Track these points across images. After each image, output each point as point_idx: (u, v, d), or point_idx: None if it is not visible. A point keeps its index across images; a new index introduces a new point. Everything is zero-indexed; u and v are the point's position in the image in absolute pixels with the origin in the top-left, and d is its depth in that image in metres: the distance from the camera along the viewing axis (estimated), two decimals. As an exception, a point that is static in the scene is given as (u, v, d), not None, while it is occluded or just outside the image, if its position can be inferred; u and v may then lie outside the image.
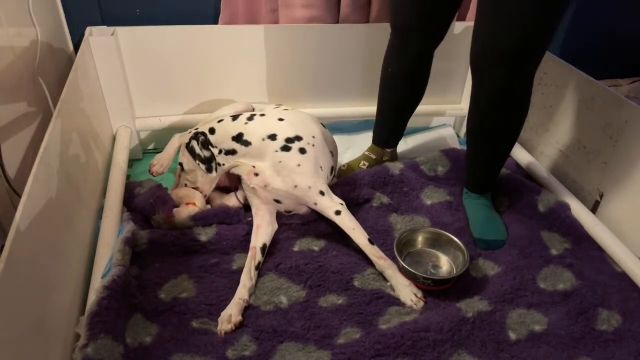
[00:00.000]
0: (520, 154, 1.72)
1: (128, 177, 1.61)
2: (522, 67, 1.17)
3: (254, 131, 1.34)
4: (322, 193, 1.31)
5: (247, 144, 1.33)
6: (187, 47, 1.66)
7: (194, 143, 1.36)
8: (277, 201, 1.35)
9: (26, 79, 1.35)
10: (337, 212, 1.29)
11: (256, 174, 1.33)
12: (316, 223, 1.41)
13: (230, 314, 1.12)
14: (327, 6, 1.72)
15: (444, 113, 1.95)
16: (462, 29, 1.79)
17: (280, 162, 1.30)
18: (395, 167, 1.58)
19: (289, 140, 1.32)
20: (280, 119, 1.37)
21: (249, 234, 1.34)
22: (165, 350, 1.06)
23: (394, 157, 1.71)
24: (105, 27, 1.59)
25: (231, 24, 1.73)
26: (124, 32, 1.59)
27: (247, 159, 1.35)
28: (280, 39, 1.70)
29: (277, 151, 1.31)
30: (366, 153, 1.67)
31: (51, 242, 1.00)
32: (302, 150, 1.32)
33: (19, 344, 0.80)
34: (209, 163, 1.36)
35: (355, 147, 1.80)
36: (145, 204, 1.37)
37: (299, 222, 1.40)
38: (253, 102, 1.70)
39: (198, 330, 1.11)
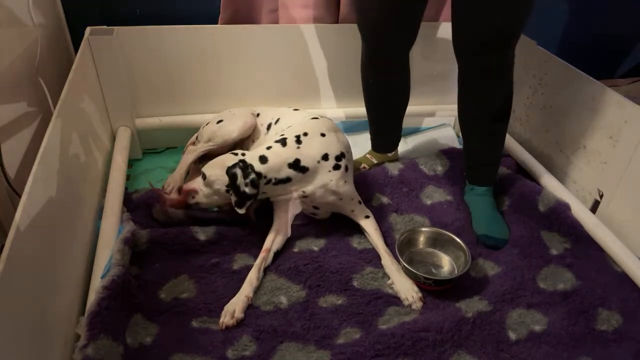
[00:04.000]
0: (520, 154, 1.72)
1: (128, 177, 1.61)
2: (503, 48, 1.25)
3: (308, 155, 1.28)
4: (360, 202, 1.39)
5: (304, 170, 1.27)
6: (187, 47, 1.66)
7: (239, 172, 1.22)
8: (316, 207, 1.37)
9: (26, 79, 1.35)
10: (367, 217, 1.38)
11: (305, 196, 1.31)
12: (316, 223, 1.41)
13: (235, 310, 1.13)
14: (327, 6, 1.72)
15: (443, 113, 1.94)
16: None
17: (331, 180, 1.30)
18: (395, 167, 1.58)
19: (338, 158, 1.32)
20: (323, 134, 1.33)
21: (250, 234, 1.34)
22: (165, 351, 1.06)
23: (396, 159, 1.71)
24: (105, 27, 1.59)
25: (231, 24, 1.73)
26: (124, 32, 1.59)
27: (299, 185, 1.29)
28: (280, 39, 1.70)
29: (330, 171, 1.30)
30: (368, 156, 1.67)
31: (51, 242, 1.00)
32: (347, 168, 1.34)
33: (19, 344, 0.80)
34: (243, 200, 1.23)
35: (355, 147, 1.79)
36: (152, 193, 1.40)
37: (298, 223, 1.40)
38: (252, 102, 1.71)
39: (198, 330, 1.11)
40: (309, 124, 1.36)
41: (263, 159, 1.25)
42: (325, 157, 1.30)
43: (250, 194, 1.21)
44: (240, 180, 1.21)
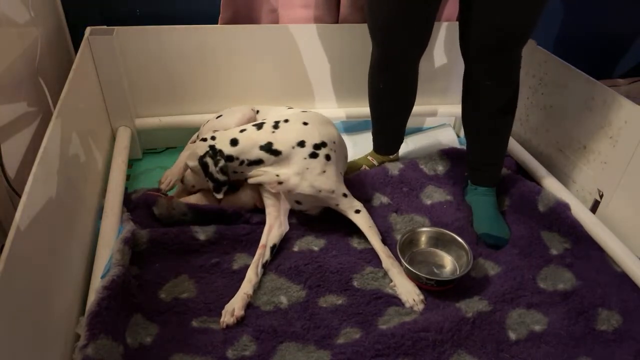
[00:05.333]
0: (520, 154, 1.72)
1: (128, 177, 1.61)
2: (512, 49, 1.27)
3: (283, 139, 1.31)
4: (344, 195, 1.35)
5: (276, 153, 1.30)
6: (187, 47, 1.66)
7: (209, 161, 1.30)
8: (298, 202, 1.36)
9: (26, 79, 1.35)
10: (357, 211, 1.34)
11: (280, 182, 1.31)
12: (316, 223, 1.41)
13: (234, 308, 1.13)
14: (327, 6, 1.72)
15: (444, 113, 1.95)
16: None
17: (307, 168, 1.29)
18: (395, 167, 1.58)
19: (317, 146, 1.31)
20: (305, 123, 1.35)
21: (249, 233, 1.35)
22: (165, 351, 1.06)
23: (396, 159, 1.71)
24: (105, 27, 1.59)
25: (231, 24, 1.73)
26: (124, 32, 1.59)
27: (273, 167, 1.32)
28: (280, 39, 1.70)
29: (305, 158, 1.30)
30: (369, 158, 1.66)
31: (51, 242, 1.00)
32: (328, 157, 1.32)
33: (19, 344, 0.80)
34: (219, 185, 1.32)
35: (355, 147, 1.80)
36: (149, 196, 1.40)
37: (294, 222, 1.40)
38: (252, 102, 1.71)
39: (198, 330, 1.11)
40: (295, 115, 1.39)
41: (234, 142, 1.31)
42: (301, 143, 1.30)
43: (222, 180, 1.30)
44: (211, 168, 1.30)
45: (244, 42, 1.68)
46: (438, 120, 2.01)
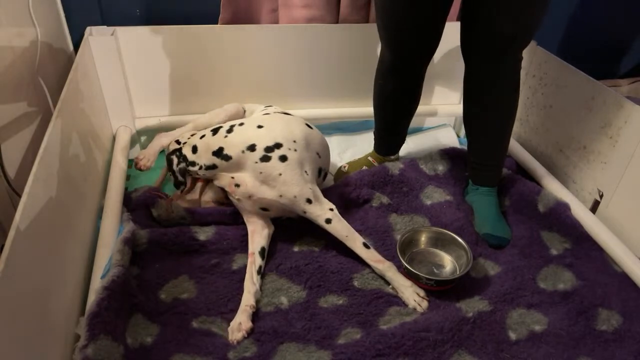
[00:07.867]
0: (520, 154, 1.72)
1: (128, 177, 1.61)
2: (519, 52, 1.29)
3: (233, 144, 1.29)
4: (309, 201, 1.27)
5: (227, 158, 1.29)
6: (187, 47, 1.66)
7: (174, 160, 1.36)
8: (265, 209, 1.33)
9: (26, 79, 1.35)
10: (328, 221, 1.27)
11: (237, 185, 1.30)
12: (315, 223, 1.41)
13: (240, 322, 1.11)
14: (327, 6, 1.72)
15: (444, 113, 1.95)
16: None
17: (261, 172, 1.26)
18: (395, 167, 1.58)
19: (269, 149, 1.27)
20: (260, 127, 1.32)
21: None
22: (166, 351, 1.06)
23: (396, 159, 1.71)
24: (105, 27, 1.59)
25: (231, 24, 1.73)
26: (124, 32, 1.59)
27: (228, 171, 1.31)
28: (280, 39, 1.70)
29: (257, 162, 1.26)
30: (369, 159, 1.66)
31: (51, 242, 0.99)
32: (283, 158, 1.26)
33: (19, 344, 0.80)
34: (177, 184, 1.38)
35: (355, 147, 1.80)
36: (148, 194, 1.41)
37: (294, 222, 1.39)
38: (252, 102, 1.71)
39: (199, 331, 1.11)
40: (253, 119, 1.39)
41: (194, 149, 1.35)
42: (251, 147, 1.28)
43: (179, 180, 1.37)
44: (174, 167, 1.36)
45: (244, 42, 1.68)
46: (438, 120, 2.02)
